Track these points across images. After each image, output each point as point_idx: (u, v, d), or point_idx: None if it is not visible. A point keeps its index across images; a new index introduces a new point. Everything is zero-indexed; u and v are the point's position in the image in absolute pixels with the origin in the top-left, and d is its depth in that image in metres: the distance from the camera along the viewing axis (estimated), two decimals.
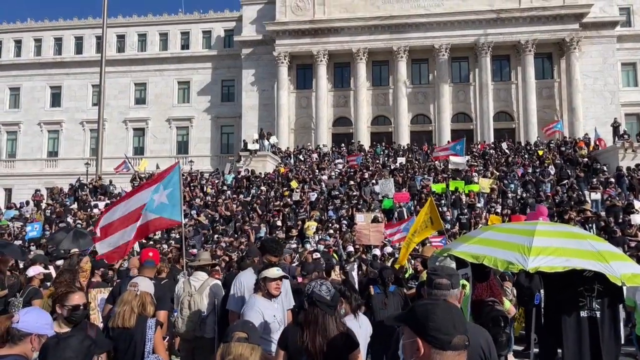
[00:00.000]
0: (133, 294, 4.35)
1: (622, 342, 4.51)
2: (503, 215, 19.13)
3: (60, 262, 9.19)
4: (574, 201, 20.22)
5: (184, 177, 28.72)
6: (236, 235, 18.53)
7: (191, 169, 35.83)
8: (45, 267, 7.54)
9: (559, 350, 4.30)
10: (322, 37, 39.97)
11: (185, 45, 45.40)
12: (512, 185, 22.72)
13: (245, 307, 4.38)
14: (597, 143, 29.44)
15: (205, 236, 18.17)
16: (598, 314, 4.16)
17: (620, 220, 18.33)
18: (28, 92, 46.29)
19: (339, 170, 27.05)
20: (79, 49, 46.46)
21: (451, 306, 1.80)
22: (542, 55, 38.92)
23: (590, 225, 18.84)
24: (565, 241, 4.18)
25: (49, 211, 21.95)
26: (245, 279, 4.64)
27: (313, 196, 22.31)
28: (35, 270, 6.93)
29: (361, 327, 3.99)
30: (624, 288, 4.60)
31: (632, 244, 16.20)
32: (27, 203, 24.08)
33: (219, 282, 5.76)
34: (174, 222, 7.45)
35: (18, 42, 46.98)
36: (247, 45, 42.12)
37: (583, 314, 4.17)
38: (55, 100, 46.44)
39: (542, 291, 3.91)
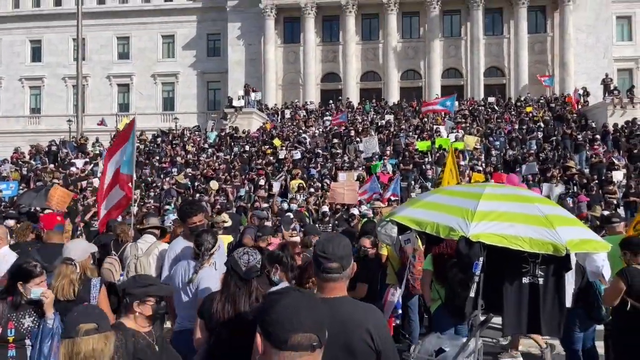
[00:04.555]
0: (71, 268, 4.13)
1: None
2: (486, 172, 18.99)
3: (11, 222, 8.90)
4: (558, 159, 20.07)
5: (168, 134, 28.25)
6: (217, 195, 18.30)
7: (176, 125, 35.24)
8: None
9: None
10: None
11: None
12: (498, 143, 22.47)
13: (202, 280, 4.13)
14: (577, 101, 29.18)
15: (183, 196, 17.93)
16: (541, 280, 3.98)
17: (603, 178, 18.25)
18: (7, 46, 44.73)
19: (321, 128, 26.62)
20: (58, 1, 44.61)
21: (305, 298, 1.52)
22: (536, 8, 37.89)
23: (573, 182, 18.80)
24: (512, 205, 3.95)
25: (26, 169, 21.58)
26: (177, 248, 4.41)
27: (297, 154, 21.99)
28: None
29: None
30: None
31: (614, 202, 16.22)
32: (5, 161, 23.63)
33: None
34: (130, 176, 7.43)
35: None
36: None
37: (525, 280, 3.98)
38: (36, 54, 45.03)
39: (481, 259, 3.69)
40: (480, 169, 18.84)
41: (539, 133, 23.90)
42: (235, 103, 30.98)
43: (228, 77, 40.92)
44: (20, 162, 24.28)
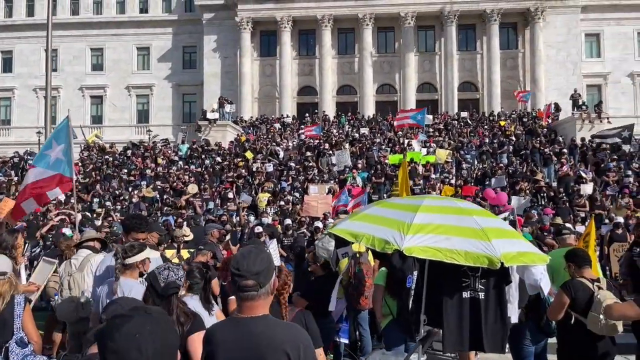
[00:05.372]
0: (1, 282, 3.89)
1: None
2: (456, 186, 19.10)
3: None
4: (527, 172, 20.31)
5: (139, 147, 27.79)
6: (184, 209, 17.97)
7: (149, 138, 34.76)
8: None
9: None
10: (286, 2, 38.73)
11: (144, 9, 43.42)
12: (469, 156, 22.67)
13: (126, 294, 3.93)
14: (547, 115, 29.85)
15: (148, 210, 17.55)
16: (481, 295, 3.89)
17: (570, 191, 18.50)
18: None
19: (296, 141, 26.53)
20: (30, 12, 43.88)
21: (149, 322, 1.36)
22: (508, 25, 38.70)
23: (542, 195, 19.03)
24: (449, 217, 3.86)
25: None
26: (108, 262, 4.19)
27: (269, 167, 21.82)
28: None
29: (210, 315, 3.62)
30: (512, 268, 4.35)
31: (582, 214, 16.42)
32: None
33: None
34: (69, 178, 7.26)
35: None
36: (209, 9, 40.53)
37: (465, 294, 3.89)
38: (7, 65, 44.11)
39: (415, 273, 3.58)
40: (452, 182, 18.91)
41: (510, 147, 24.23)
42: (209, 115, 30.73)
43: (204, 89, 40.65)
44: None
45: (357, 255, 5.94)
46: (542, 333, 5.49)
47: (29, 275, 7.44)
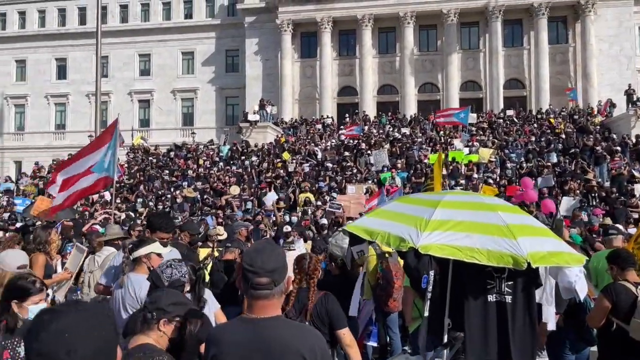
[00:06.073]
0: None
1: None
2: (500, 185, 18.41)
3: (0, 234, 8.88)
4: (576, 171, 19.31)
5: (182, 149, 28.43)
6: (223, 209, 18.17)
7: (193, 140, 35.52)
8: None
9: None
10: (326, 3, 38.68)
11: (188, 15, 44.49)
12: (514, 155, 21.81)
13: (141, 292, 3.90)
14: (604, 112, 28.31)
15: (190, 210, 17.87)
16: (509, 298, 3.59)
17: (624, 191, 17.45)
18: (34, 64, 46.15)
19: (334, 142, 26.39)
20: (82, 20, 45.85)
21: (85, 319, 1.20)
22: (556, 19, 37.06)
23: (592, 195, 18.02)
24: (471, 213, 3.58)
25: (42, 183, 21.92)
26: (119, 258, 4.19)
27: (306, 167, 21.79)
28: None
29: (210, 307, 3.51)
30: (545, 269, 4.02)
31: (635, 215, 15.39)
32: (24, 175, 24.12)
33: None
34: (111, 179, 7.51)
35: (22, 14, 46.64)
36: (250, 13, 41.07)
37: (491, 298, 3.59)
38: (61, 72, 46.26)
39: (431, 273, 3.34)
40: (490, 182, 18.23)
41: (559, 145, 23.15)
42: (250, 117, 31.09)
43: (246, 92, 41.19)
44: (37, 176, 24.74)
45: (387, 255, 5.73)
46: (582, 341, 5.10)
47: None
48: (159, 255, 3.74)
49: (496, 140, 24.15)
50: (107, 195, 20.87)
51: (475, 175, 19.63)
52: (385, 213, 3.87)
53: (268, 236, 11.67)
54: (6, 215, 17.60)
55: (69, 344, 1.18)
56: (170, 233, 4.33)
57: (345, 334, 3.89)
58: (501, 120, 30.13)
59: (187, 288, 3.18)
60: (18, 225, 13.98)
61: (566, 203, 16.52)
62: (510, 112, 31.04)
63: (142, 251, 3.65)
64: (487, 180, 18.86)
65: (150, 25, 44.46)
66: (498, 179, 19.08)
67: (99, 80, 30.43)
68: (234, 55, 43.73)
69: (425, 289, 3.35)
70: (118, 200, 20.43)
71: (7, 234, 8.76)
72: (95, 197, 20.04)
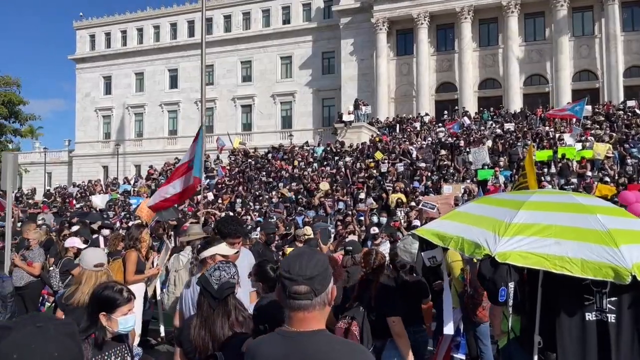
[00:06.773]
0: (100, 274, 4.15)
1: None
2: (619, 184, 16.47)
3: (107, 232, 9.61)
4: None
5: (279, 151, 29.24)
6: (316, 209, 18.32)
7: (291, 142, 36.40)
8: (85, 242, 7.85)
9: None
10: None
11: (286, 20, 45.78)
12: (635, 150, 19.44)
13: None
14: None
15: (287, 209, 18.23)
16: (612, 317, 3.02)
17: None
18: (150, 76, 50.37)
19: (431, 140, 25.45)
20: (191, 32, 49.15)
21: (43, 335, 1.08)
22: None
23: None
24: (562, 216, 3.06)
25: (154, 185, 23.73)
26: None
27: (400, 167, 21.24)
28: (71, 243, 7.22)
29: None
30: None
31: None
32: (139, 177, 26.33)
33: None
34: (198, 179, 7.94)
35: (140, 30, 51.10)
36: (346, 14, 41.21)
37: (589, 316, 3.05)
38: (173, 82, 49.97)
39: (511, 285, 2.91)
40: (608, 179, 16.37)
41: None
42: (345, 118, 31.15)
43: (341, 93, 41.41)
44: (151, 178, 26.86)
45: (475, 260, 5.27)
46: None
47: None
48: (225, 257, 3.70)
49: (614, 134, 21.71)
50: (210, 196, 22.05)
51: (589, 173, 17.78)
52: (461, 215, 3.48)
53: (356, 238, 11.44)
54: (122, 214, 19.25)
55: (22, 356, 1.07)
56: (239, 238, 4.28)
57: (396, 322, 3.98)
58: (621, 112, 27.11)
59: (237, 290, 3.06)
60: (130, 224, 15.15)
61: None
62: (631, 103, 27.83)
63: (207, 252, 3.63)
64: (603, 178, 17.00)
65: (252, 33, 46.44)
66: (617, 177, 17.08)
67: (204, 88, 32.45)
68: (330, 57, 44.19)
69: (504, 302, 2.92)
70: (220, 201, 21.51)
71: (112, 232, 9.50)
72: (199, 197, 21.22)
